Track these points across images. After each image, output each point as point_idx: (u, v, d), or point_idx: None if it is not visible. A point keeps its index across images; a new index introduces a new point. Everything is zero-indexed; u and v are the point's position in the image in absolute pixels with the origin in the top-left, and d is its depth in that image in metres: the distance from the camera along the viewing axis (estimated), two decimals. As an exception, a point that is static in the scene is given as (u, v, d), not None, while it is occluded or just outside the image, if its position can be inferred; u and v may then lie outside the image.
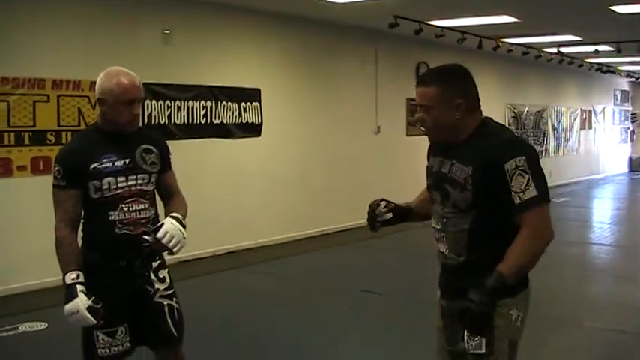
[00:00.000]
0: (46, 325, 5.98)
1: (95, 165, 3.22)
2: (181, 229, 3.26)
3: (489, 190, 2.69)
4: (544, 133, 18.05)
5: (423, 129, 2.88)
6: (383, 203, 3.11)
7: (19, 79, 6.96)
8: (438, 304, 3.03)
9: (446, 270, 2.95)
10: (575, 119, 19.87)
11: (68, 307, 3.08)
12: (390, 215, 3.09)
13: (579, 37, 12.61)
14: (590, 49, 13.66)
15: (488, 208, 2.73)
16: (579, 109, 20.13)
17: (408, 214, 3.19)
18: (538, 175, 2.69)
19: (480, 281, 2.63)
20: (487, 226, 2.76)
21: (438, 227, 2.91)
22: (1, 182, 6.87)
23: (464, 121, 2.81)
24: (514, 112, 16.59)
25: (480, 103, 2.90)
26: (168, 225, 3.23)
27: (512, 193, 2.65)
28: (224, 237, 9.07)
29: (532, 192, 2.66)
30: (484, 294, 2.58)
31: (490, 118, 2.92)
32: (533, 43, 13.47)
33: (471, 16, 10.34)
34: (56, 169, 3.26)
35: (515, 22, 10.64)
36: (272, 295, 7.29)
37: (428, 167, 3.03)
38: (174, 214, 3.32)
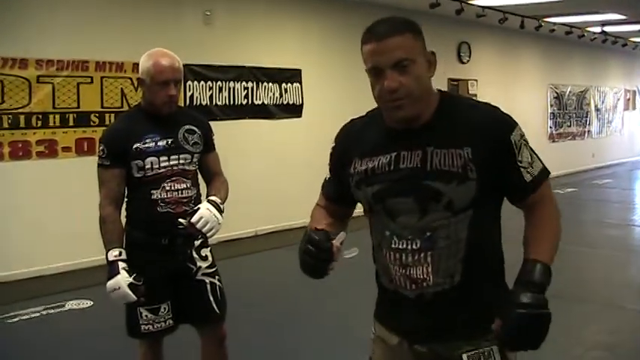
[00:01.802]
0: (92, 302, 6.08)
1: (138, 144, 3.26)
2: (217, 214, 3.28)
3: (495, 174, 2.07)
4: (587, 114, 17.82)
5: (395, 102, 2.05)
6: (334, 236, 2.20)
7: (63, 62, 7.05)
8: (404, 353, 2.23)
9: (424, 302, 2.13)
10: (618, 100, 19.59)
11: (110, 283, 3.14)
12: (354, 252, 2.54)
13: (624, 15, 12.41)
14: (635, 27, 13.45)
15: (487, 202, 2.11)
16: (623, 90, 19.83)
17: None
18: (531, 147, 2.15)
19: (480, 309, 2.11)
20: (485, 228, 2.15)
21: (415, 247, 2.10)
22: (47, 162, 6.98)
23: (430, 92, 2.14)
24: (556, 92, 16.40)
25: None
26: (204, 210, 3.25)
27: (521, 169, 2.07)
28: (265, 217, 9.12)
29: (539, 164, 2.12)
30: (538, 293, 1.97)
31: (440, 89, 2.22)
32: (576, 23, 13.30)
33: (513, -5, 10.24)
34: (101, 148, 3.31)
35: (558, 1, 10.50)
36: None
37: (361, 171, 2.20)
38: (212, 199, 3.35)
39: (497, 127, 2.08)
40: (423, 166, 2.06)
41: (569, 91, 16.94)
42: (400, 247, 2.12)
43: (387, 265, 2.19)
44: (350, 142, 2.28)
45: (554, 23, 13.08)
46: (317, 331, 5.48)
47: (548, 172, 2.15)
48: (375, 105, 2.19)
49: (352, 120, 2.33)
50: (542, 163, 2.15)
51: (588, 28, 14.07)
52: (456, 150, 2.03)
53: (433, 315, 2.14)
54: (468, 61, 13.03)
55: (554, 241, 2.13)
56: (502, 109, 2.15)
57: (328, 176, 2.52)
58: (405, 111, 2.05)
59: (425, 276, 2.09)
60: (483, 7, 10.93)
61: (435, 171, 2.04)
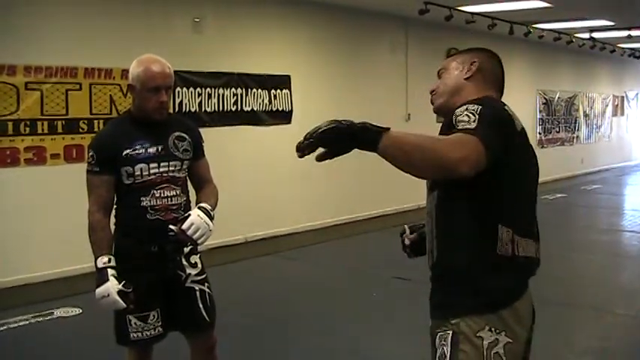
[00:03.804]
0: (80, 310, 6.06)
1: (128, 151, 3.26)
2: (207, 221, 3.26)
3: None
4: (575, 120, 17.88)
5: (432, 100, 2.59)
6: (406, 228, 2.85)
7: (52, 68, 7.02)
8: None
9: (430, 278, 2.47)
10: (607, 105, 19.67)
11: (99, 290, 3.13)
12: (407, 242, 2.80)
13: (612, 21, 12.46)
14: (623, 34, 13.50)
15: (454, 187, 2.25)
16: (611, 96, 19.91)
17: None
18: (488, 124, 2.19)
19: (449, 292, 2.32)
20: (455, 211, 2.31)
21: (428, 227, 2.45)
22: (35, 170, 6.94)
23: (468, 89, 2.46)
24: (545, 98, 16.44)
25: (502, 92, 2.57)
26: (195, 217, 3.24)
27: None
28: (255, 223, 9.10)
29: (469, 126, 2.19)
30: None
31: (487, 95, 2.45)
32: (564, 29, 13.34)
33: (502, 2, 10.26)
34: (90, 154, 3.31)
35: (546, 8, 10.54)
36: (304, 281, 7.33)
37: None
38: (203, 205, 3.34)
39: (456, 107, 2.32)
40: None
41: (558, 97, 17.00)
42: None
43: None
44: None
45: (543, 29, 13.13)
46: (307, 338, 5.47)
47: (476, 133, 2.15)
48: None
49: None
50: (480, 129, 2.16)
51: (577, 34, 14.13)
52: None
53: (431, 292, 2.44)
54: (457, 67, 13.04)
55: (413, 140, 2.28)
56: (492, 102, 2.40)
57: None
58: (434, 104, 2.61)
59: (434, 253, 2.39)
60: (472, 14, 10.95)
61: None
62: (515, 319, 2.25)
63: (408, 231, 2.80)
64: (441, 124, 2.53)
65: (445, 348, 2.25)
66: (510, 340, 2.22)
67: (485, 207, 2.27)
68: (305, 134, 2.28)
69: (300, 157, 2.38)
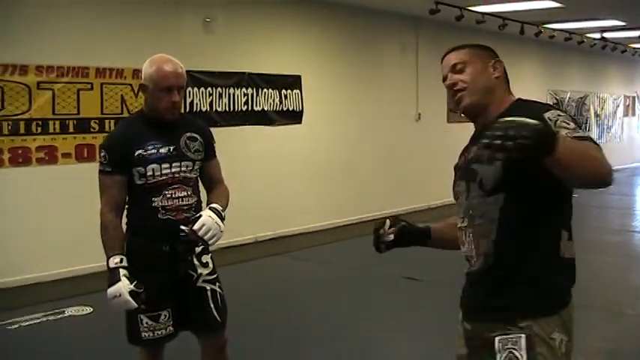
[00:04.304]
0: (91, 309, 6.07)
1: (140, 151, 3.27)
2: (218, 221, 3.27)
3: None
4: (586, 120, 17.81)
5: (456, 95, 2.46)
6: (387, 222, 2.70)
7: (64, 68, 7.05)
8: (460, 328, 2.50)
9: (470, 281, 2.43)
10: (618, 106, 19.60)
11: (111, 290, 3.14)
12: (391, 237, 2.68)
13: (623, 21, 12.42)
14: (634, 34, 13.46)
15: (523, 189, 2.22)
16: (622, 96, 19.84)
17: (423, 235, 2.78)
18: (583, 129, 2.21)
19: (514, 295, 2.26)
20: (520, 215, 2.26)
21: (464, 225, 2.40)
22: (47, 169, 6.97)
23: (499, 90, 2.44)
24: (556, 98, 16.39)
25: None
26: (206, 217, 3.24)
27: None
28: (266, 223, 9.11)
29: (584, 133, 2.17)
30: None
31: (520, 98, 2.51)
32: (575, 29, 13.31)
33: (513, 2, 10.24)
34: (102, 154, 3.31)
35: (557, 8, 10.51)
36: (313, 280, 7.33)
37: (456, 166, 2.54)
38: (214, 206, 3.34)
39: (530, 112, 2.11)
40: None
41: (569, 97, 16.95)
42: (460, 225, 2.44)
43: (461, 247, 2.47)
44: (463, 150, 2.56)
45: (554, 29, 13.09)
46: (317, 337, 5.48)
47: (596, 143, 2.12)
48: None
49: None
50: (591, 137, 2.16)
51: (588, 35, 14.08)
52: None
53: (475, 295, 2.40)
54: (468, 67, 13.02)
55: (580, 148, 2.04)
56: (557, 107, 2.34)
57: None
58: (463, 102, 2.44)
59: (471, 253, 2.37)
60: (483, 14, 10.93)
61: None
62: (569, 318, 2.32)
63: (388, 224, 2.71)
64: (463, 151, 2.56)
65: (517, 352, 2.22)
66: (568, 339, 2.29)
67: (553, 210, 2.30)
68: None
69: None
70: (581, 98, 17.48)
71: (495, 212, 2.27)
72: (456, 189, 2.48)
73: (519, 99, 2.46)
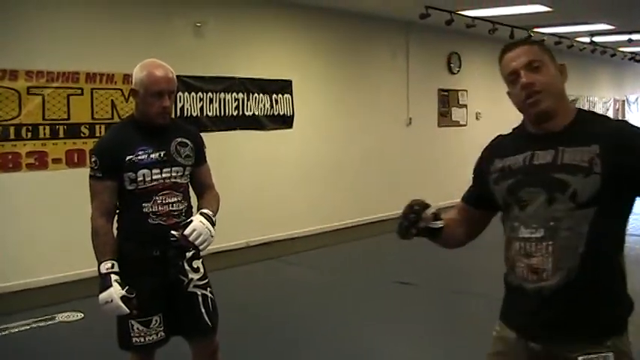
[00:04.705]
0: (82, 315, 6.05)
1: (131, 157, 3.27)
2: (209, 226, 3.27)
3: (622, 174, 2.16)
4: (577, 124, 17.86)
5: (531, 97, 2.28)
6: (431, 209, 2.40)
7: (54, 73, 7.03)
8: (514, 346, 2.34)
9: (543, 297, 2.23)
10: (608, 109, 19.65)
11: (102, 296, 3.14)
12: (440, 224, 2.43)
13: (612, 25, 12.46)
14: (624, 37, 13.50)
15: (612, 204, 2.20)
16: (612, 99, 19.91)
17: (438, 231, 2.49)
18: None
19: (598, 311, 2.19)
20: (609, 228, 2.22)
21: (538, 235, 2.23)
22: (37, 174, 6.95)
23: (566, 97, 2.37)
24: (546, 102, 16.44)
25: None
26: (196, 222, 3.25)
27: None
28: (257, 228, 9.10)
29: None
30: None
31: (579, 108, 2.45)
32: (565, 33, 13.34)
33: (503, 6, 10.26)
34: (93, 160, 3.31)
35: (547, 12, 10.54)
36: (305, 285, 7.32)
37: (499, 169, 2.40)
38: (205, 211, 3.35)
39: (626, 133, 2.23)
40: (554, 161, 2.24)
41: (559, 101, 16.99)
42: (525, 236, 2.27)
43: (513, 259, 2.32)
44: (492, 149, 2.53)
45: (544, 33, 13.11)
46: (309, 343, 5.47)
47: None
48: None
49: (499, 135, 2.59)
50: None
51: (577, 39, 14.11)
52: (584, 147, 2.19)
53: (550, 313, 2.23)
54: (458, 71, 13.06)
55: None
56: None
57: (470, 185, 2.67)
58: (541, 105, 2.27)
59: (545, 266, 2.21)
60: (473, 18, 10.95)
61: (563, 165, 2.21)
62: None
63: (431, 211, 2.39)
64: (485, 150, 2.55)
65: None
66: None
67: (625, 225, 2.31)
68: None
69: None
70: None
71: (584, 226, 2.18)
72: (519, 195, 2.30)
73: (580, 109, 2.40)
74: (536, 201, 2.24)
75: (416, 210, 2.36)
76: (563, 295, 2.19)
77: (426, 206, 2.39)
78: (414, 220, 2.35)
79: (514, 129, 2.52)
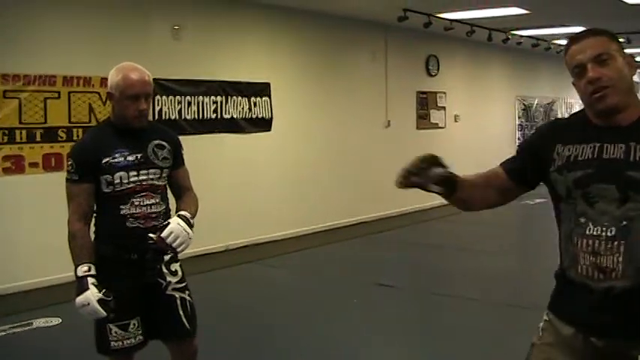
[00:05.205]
0: (60, 320, 6.00)
1: (107, 159, 3.25)
2: (187, 229, 3.26)
3: None
4: (554, 125, 17.96)
5: (599, 91, 2.22)
6: (439, 171, 2.35)
7: (30, 76, 6.98)
8: (573, 341, 2.32)
9: (611, 296, 2.19)
10: (585, 111, 19.80)
11: (79, 299, 3.12)
12: (438, 190, 2.37)
13: (588, 28, 12.53)
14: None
15: None
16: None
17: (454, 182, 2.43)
18: None
19: None
20: None
21: (609, 234, 2.18)
22: (14, 179, 6.90)
23: (633, 92, 2.28)
24: (524, 104, 16.54)
25: None
26: (174, 225, 3.24)
27: None
28: (236, 231, 9.08)
29: None
30: None
31: None
32: (542, 35, 13.43)
33: (480, 9, 10.31)
34: (69, 163, 3.30)
35: (524, 14, 10.61)
36: (285, 288, 7.31)
37: (564, 157, 2.33)
38: (183, 213, 3.33)
39: None
40: (627, 157, 2.17)
41: (537, 103, 17.10)
42: (594, 233, 2.20)
43: (576, 254, 2.25)
44: (554, 131, 2.44)
45: (521, 36, 13.21)
46: (290, 345, 5.46)
47: None
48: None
49: (557, 118, 2.48)
50: None
51: (555, 41, 14.21)
52: None
53: (619, 312, 2.18)
54: (437, 74, 13.10)
55: None
56: None
57: (514, 155, 2.58)
58: (607, 101, 2.21)
59: (615, 266, 2.15)
60: (451, 21, 11.00)
61: (637, 162, 2.15)
62: None
63: (438, 173, 2.35)
64: (540, 131, 2.52)
65: None
66: None
67: None
68: None
69: None
70: (548, 104, 17.64)
71: (631, 221, 2.15)
72: (588, 190, 2.24)
73: None
74: (608, 198, 2.19)
75: (420, 168, 2.32)
76: (632, 296, 2.16)
77: (435, 165, 2.33)
78: (419, 169, 2.32)
79: (572, 115, 2.48)
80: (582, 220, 2.24)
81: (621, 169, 2.17)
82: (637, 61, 2.34)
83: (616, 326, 2.21)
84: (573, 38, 2.33)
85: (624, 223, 2.15)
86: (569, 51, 2.32)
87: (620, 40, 2.34)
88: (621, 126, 2.23)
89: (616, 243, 2.16)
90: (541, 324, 2.45)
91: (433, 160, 2.36)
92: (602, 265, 2.18)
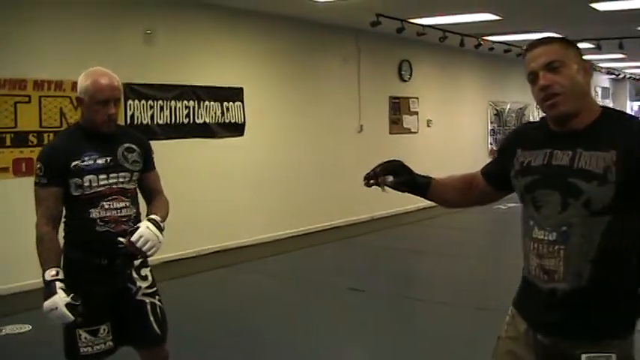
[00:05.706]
0: (30, 327, 5.95)
1: (77, 162, 3.23)
2: (157, 233, 3.24)
3: (638, 183, 2.17)
4: (526, 131, 18.09)
5: (549, 99, 2.30)
6: (390, 178, 2.62)
7: (0, 80, 6.92)
8: (524, 335, 2.43)
9: (555, 298, 2.28)
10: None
11: (47, 303, 3.08)
12: (389, 187, 2.61)
13: (560, 34, 12.58)
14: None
15: (627, 212, 2.21)
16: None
17: (422, 187, 2.66)
18: None
19: (606, 315, 2.23)
20: (622, 236, 2.21)
21: (550, 238, 2.27)
22: (-17, 184, 6.84)
23: (589, 95, 2.34)
24: (496, 109, 16.66)
25: None
26: (144, 229, 3.22)
27: None
28: (208, 237, 9.05)
29: None
30: None
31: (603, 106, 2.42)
32: (514, 41, 13.52)
33: (453, 14, 10.37)
34: (38, 166, 3.27)
35: (496, 20, 10.68)
36: (258, 293, 7.30)
37: (520, 163, 2.43)
38: (153, 217, 3.32)
39: (622, 123, 2.26)
40: (571, 164, 2.24)
41: (509, 108, 17.22)
42: (539, 237, 2.30)
43: (527, 255, 2.37)
44: (519, 136, 2.55)
45: (493, 42, 13.29)
46: (264, 350, 5.45)
47: None
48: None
49: (528, 122, 2.69)
50: None
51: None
52: (602, 153, 2.19)
53: (561, 312, 2.27)
54: (409, 79, 13.16)
55: None
56: None
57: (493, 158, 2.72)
58: (560, 108, 2.28)
59: (556, 268, 2.25)
60: (424, 26, 11.04)
61: (579, 170, 2.21)
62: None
63: (391, 180, 2.63)
64: (505, 137, 2.63)
65: None
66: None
67: None
68: None
69: None
70: (520, 109, 17.77)
71: (597, 234, 2.20)
72: (534, 195, 2.34)
73: (604, 107, 2.37)
74: (551, 204, 2.28)
75: (377, 173, 2.63)
76: (573, 298, 2.24)
77: (394, 172, 2.62)
78: (375, 174, 2.62)
79: (542, 118, 2.52)
80: (531, 223, 2.35)
81: (565, 176, 2.24)
82: (600, 67, 2.39)
83: (560, 326, 2.29)
84: (529, 46, 2.37)
85: (564, 228, 2.23)
86: (526, 58, 2.37)
87: (590, 46, 2.40)
88: (575, 130, 2.29)
89: (557, 247, 2.25)
90: (507, 318, 2.55)
91: (392, 168, 2.64)
92: (545, 267, 2.28)
